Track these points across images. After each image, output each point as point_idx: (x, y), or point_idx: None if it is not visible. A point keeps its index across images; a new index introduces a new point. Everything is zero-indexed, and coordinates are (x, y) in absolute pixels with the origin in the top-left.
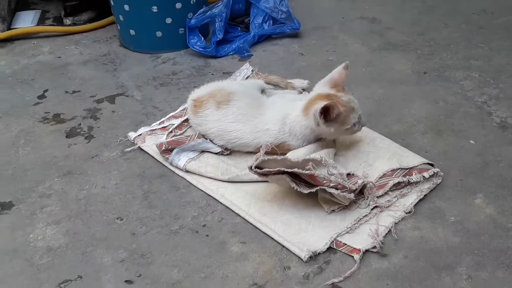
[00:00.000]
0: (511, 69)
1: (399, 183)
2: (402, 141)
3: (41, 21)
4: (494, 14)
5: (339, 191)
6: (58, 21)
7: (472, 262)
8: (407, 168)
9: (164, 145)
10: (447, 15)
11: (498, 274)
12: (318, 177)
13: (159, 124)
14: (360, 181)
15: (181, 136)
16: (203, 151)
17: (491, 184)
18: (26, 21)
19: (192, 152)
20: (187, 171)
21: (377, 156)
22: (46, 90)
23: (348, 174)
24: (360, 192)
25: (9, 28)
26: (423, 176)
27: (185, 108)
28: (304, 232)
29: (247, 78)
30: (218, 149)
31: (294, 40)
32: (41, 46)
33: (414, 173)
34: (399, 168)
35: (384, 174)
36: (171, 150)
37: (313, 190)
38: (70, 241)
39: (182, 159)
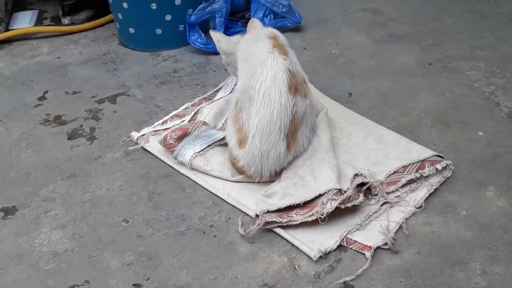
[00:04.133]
0: None
1: (411, 179)
2: (410, 134)
3: (38, 22)
4: (497, 2)
5: (346, 204)
6: (56, 21)
7: (486, 257)
8: (419, 161)
9: (168, 136)
10: (450, 4)
11: None
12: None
13: (162, 124)
14: (360, 180)
15: (184, 123)
16: (208, 146)
17: (502, 176)
18: (24, 21)
19: (198, 145)
20: (192, 169)
21: (387, 154)
22: (46, 92)
23: (356, 175)
24: (368, 189)
25: (6, 30)
26: (436, 168)
27: (187, 107)
28: (314, 230)
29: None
30: (222, 135)
31: (296, 34)
32: (39, 47)
33: (426, 166)
34: (410, 164)
35: (395, 171)
36: (177, 140)
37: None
38: (76, 245)
39: (187, 154)
